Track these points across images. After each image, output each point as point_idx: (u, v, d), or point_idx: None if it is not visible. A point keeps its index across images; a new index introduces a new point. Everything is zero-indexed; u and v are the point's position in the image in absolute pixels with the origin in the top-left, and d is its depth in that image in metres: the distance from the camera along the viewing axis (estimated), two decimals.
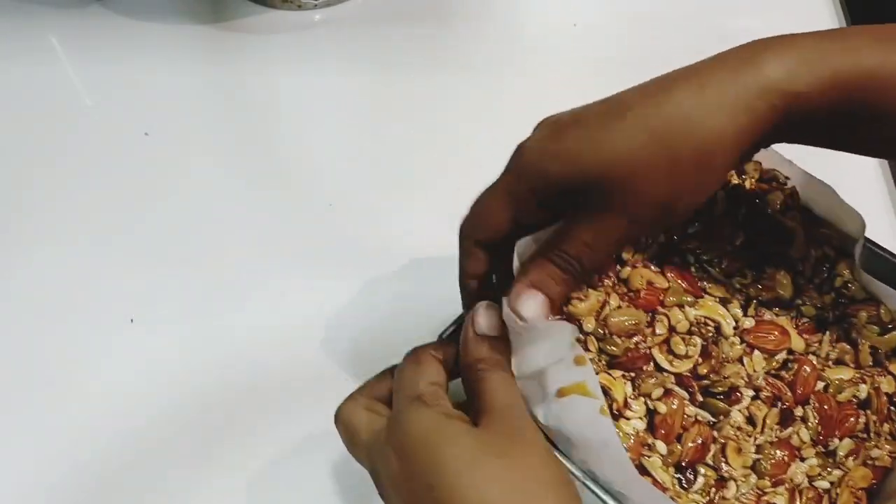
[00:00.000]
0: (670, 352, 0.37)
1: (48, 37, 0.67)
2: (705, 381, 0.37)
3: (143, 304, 0.52)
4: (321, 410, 0.48)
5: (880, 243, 0.55)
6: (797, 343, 0.39)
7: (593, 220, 0.32)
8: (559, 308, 0.35)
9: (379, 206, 0.57)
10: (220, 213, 0.57)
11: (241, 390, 0.49)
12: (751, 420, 0.37)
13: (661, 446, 0.36)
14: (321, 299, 0.52)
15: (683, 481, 0.36)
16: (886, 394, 0.39)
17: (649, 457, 0.36)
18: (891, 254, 0.42)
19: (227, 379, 0.49)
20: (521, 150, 0.33)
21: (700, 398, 0.37)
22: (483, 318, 0.35)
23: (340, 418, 0.36)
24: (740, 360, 0.38)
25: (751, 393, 0.38)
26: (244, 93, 0.64)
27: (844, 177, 0.60)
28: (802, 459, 0.37)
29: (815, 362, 0.39)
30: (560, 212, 0.33)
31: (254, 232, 0.56)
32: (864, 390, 0.38)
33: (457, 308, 0.38)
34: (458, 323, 0.39)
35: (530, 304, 0.33)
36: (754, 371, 0.38)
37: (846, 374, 0.39)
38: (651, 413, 0.36)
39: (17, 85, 0.64)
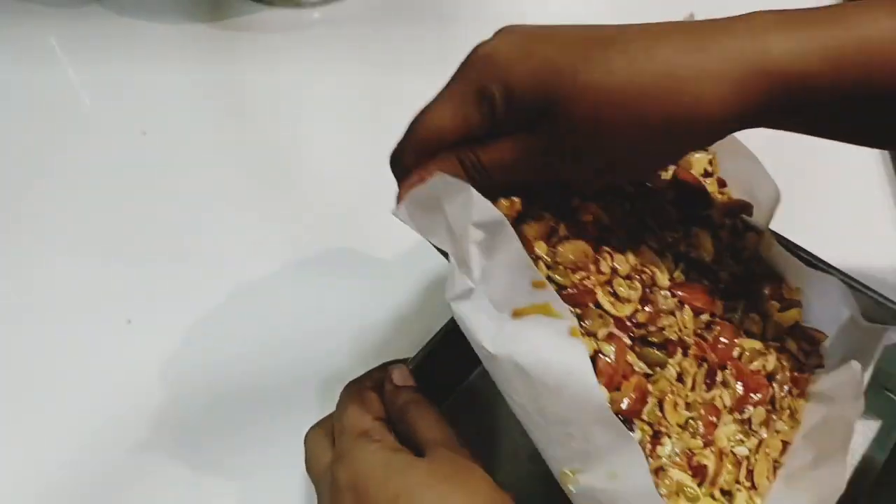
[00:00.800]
0: (613, 294, 0.35)
1: (47, 37, 0.67)
2: (642, 331, 0.35)
3: (141, 305, 0.52)
4: (321, 412, 0.48)
5: (880, 242, 0.54)
6: (718, 307, 0.38)
7: (527, 143, 0.29)
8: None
9: (378, 206, 0.57)
10: (218, 213, 0.57)
11: (240, 392, 0.48)
12: (681, 377, 0.36)
13: (603, 392, 0.32)
14: (320, 299, 0.52)
15: None
16: (787, 369, 0.39)
17: None
18: (794, 245, 0.43)
19: (225, 380, 0.49)
20: (483, 55, 0.30)
21: (638, 347, 0.35)
22: (397, 374, 0.38)
23: (305, 442, 0.38)
24: (673, 314, 0.36)
25: (681, 349, 0.36)
26: (243, 92, 0.63)
27: (845, 174, 0.60)
28: (724, 423, 0.37)
29: (732, 328, 0.38)
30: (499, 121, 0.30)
31: (253, 232, 0.55)
32: (771, 362, 0.38)
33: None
34: (427, 351, 0.41)
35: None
36: (685, 327, 0.37)
37: (756, 344, 0.39)
38: (595, 355, 0.33)
39: (17, 85, 0.64)
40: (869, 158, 0.59)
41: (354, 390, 0.38)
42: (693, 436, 0.35)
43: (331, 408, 0.47)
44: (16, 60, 0.65)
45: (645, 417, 0.33)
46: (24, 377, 0.49)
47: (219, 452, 0.46)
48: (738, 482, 0.36)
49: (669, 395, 0.34)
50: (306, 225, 0.56)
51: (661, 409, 0.34)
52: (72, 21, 0.67)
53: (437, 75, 0.63)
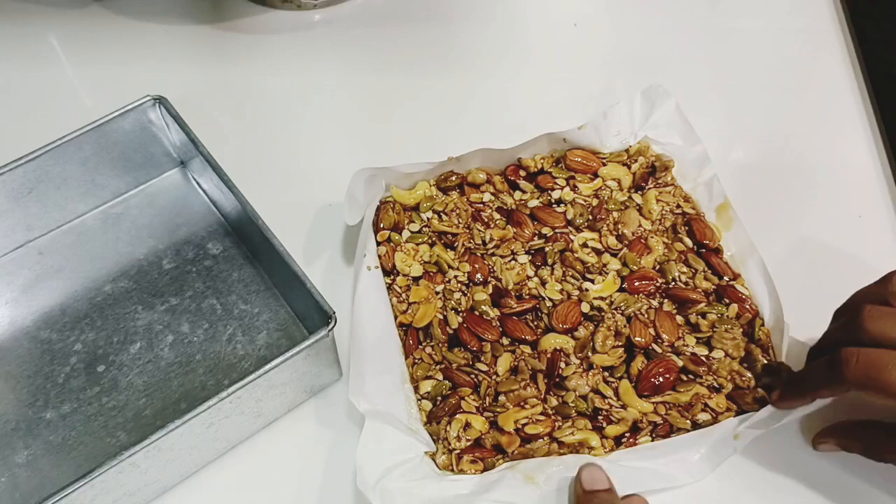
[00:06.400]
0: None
1: (48, 37, 0.67)
2: None
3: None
4: (317, 413, 0.48)
5: (880, 243, 0.54)
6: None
7: None
8: None
9: None
10: None
11: None
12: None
13: None
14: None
15: None
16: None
17: None
18: None
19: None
20: None
21: None
22: (587, 475, 0.39)
23: None
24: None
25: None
26: (243, 92, 0.63)
27: (844, 179, 0.60)
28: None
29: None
30: None
31: None
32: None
33: None
34: None
35: None
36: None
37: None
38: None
39: (17, 85, 0.64)
40: (868, 161, 0.59)
41: None
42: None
43: (329, 407, 0.46)
44: (16, 60, 0.65)
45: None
46: None
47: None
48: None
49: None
50: (308, 224, 0.56)
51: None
52: (72, 21, 0.67)
53: (437, 75, 0.64)
